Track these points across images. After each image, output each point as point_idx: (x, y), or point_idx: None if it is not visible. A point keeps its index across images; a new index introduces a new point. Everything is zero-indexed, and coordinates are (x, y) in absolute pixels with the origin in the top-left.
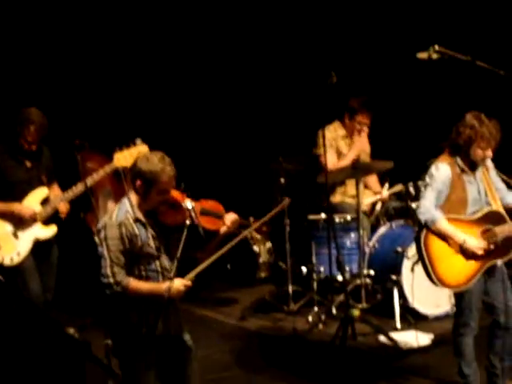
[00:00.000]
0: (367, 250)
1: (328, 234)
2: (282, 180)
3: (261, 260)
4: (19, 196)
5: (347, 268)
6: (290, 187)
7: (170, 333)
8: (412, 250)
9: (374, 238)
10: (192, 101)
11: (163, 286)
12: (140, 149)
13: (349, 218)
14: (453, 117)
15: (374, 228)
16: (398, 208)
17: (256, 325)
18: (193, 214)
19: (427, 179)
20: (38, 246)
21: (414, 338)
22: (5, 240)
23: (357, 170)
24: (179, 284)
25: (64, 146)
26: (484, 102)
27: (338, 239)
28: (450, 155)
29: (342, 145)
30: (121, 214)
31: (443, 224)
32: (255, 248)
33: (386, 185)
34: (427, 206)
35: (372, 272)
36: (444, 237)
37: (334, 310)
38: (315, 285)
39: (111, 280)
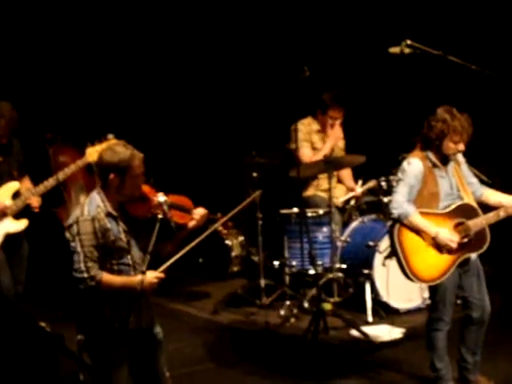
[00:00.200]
0: (339, 244)
1: (300, 228)
2: (255, 174)
3: (233, 254)
4: None
5: (319, 262)
6: (263, 181)
7: (142, 326)
8: (384, 245)
9: (346, 233)
10: (164, 95)
11: (136, 279)
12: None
13: (321, 212)
14: (425, 111)
15: (346, 222)
16: (371, 203)
17: (228, 319)
18: (165, 208)
19: (399, 174)
20: (9, 239)
21: (385, 332)
22: None
23: (329, 165)
24: (151, 276)
25: (36, 140)
26: (455, 97)
27: (310, 233)
28: (421, 150)
29: (315, 139)
30: (92, 208)
31: (416, 218)
32: (227, 242)
33: (360, 181)
34: (400, 201)
35: (344, 266)
36: (417, 231)
37: (306, 304)
38: (287, 279)
39: (85, 275)
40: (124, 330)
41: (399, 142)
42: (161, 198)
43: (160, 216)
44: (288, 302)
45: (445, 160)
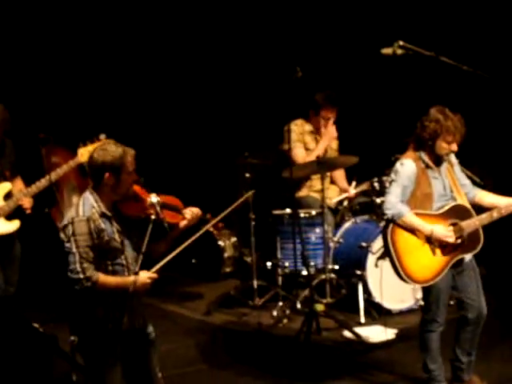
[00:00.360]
0: (332, 244)
1: (293, 228)
2: (248, 175)
3: (226, 255)
4: None
5: (312, 263)
6: (256, 182)
7: (135, 326)
8: (376, 245)
9: (339, 233)
10: (156, 96)
11: (129, 279)
12: None
13: (314, 212)
14: (417, 112)
15: (338, 223)
16: (363, 203)
17: (221, 320)
18: (158, 209)
19: (392, 175)
20: (1, 240)
21: (378, 333)
22: None
23: (322, 165)
24: (145, 277)
25: (28, 140)
26: (447, 97)
27: (302, 234)
28: (414, 150)
29: (308, 140)
30: (87, 209)
31: (410, 217)
32: (220, 243)
33: (354, 183)
34: (393, 202)
35: (337, 267)
36: (411, 230)
37: (298, 305)
38: (280, 279)
39: (81, 276)
40: (117, 331)
41: (392, 143)
42: (153, 198)
43: (153, 217)
44: (281, 303)
45: (438, 161)
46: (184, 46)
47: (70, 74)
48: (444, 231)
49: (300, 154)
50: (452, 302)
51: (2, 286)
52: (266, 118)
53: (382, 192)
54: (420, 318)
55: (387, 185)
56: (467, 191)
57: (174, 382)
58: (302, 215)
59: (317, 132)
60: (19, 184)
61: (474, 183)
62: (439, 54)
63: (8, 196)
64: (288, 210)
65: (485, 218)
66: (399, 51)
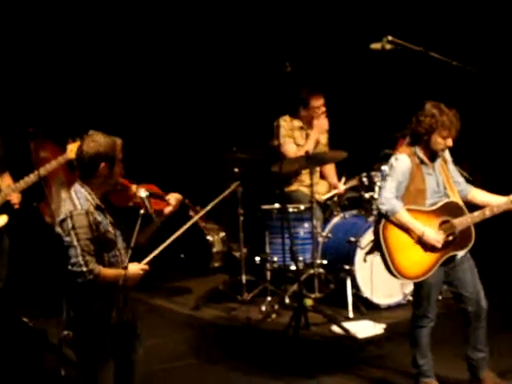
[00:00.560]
0: (320, 239)
1: (282, 223)
2: (236, 169)
3: (214, 250)
4: None
5: (300, 258)
6: (244, 177)
7: (123, 320)
8: (365, 240)
9: (328, 228)
10: (145, 90)
11: (123, 272)
12: None
13: (302, 207)
14: (406, 107)
15: (327, 218)
16: (352, 198)
17: (209, 314)
18: (146, 203)
19: (387, 170)
20: None
21: (366, 328)
22: None
23: (311, 160)
24: (137, 268)
25: (17, 135)
26: (436, 93)
27: (291, 229)
28: (409, 145)
29: (298, 136)
30: (83, 202)
31: (403, 215)
32: (209, 238)
33: (343, 179)
34: (387, 197)
35: (325, 262)
36: (404, 228)
37: (287, 300)
38: (269, 274)
39: (84, 268)
40: (107, 325)
41: (381, 138)
42: (142, 193)
43: (142, 211)
44: (269, 298)
45: (433, 156)
46: (174, 41)
47: (60, 68)
48: (434, 236)
49: (291, 150)
50: (440, 297)
51: None
52: (255, 112)
53: (371, 187)
54: (408, 313)
55: (376, 180)
56: (460, 189)
57: (162, 377)
58: (290, 210)
59: (309, 126)
60: (7, 179)
61: (464, 179)
62: (428, 49)
63: None
64: (277, 205)
65: (477, 215)
66: (388, 46)
